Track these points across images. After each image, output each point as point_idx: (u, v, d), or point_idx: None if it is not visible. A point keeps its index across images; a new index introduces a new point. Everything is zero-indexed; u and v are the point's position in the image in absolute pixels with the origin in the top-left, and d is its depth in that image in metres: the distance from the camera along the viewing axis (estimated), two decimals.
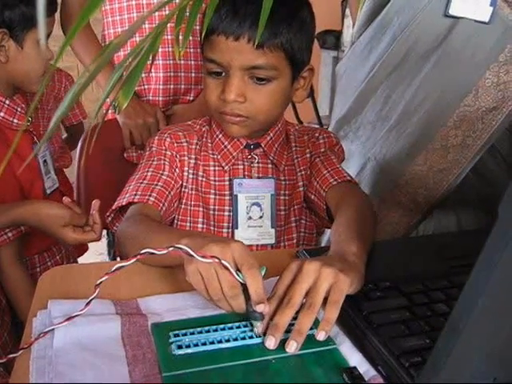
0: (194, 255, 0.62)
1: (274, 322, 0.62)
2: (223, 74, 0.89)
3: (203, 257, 0.62)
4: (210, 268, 0.63)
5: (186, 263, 0.65)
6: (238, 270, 0.63)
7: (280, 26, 0.85)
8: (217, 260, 0.62)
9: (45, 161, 1.26)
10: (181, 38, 0.46)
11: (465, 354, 0.49)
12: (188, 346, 0.61)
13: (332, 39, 3.20)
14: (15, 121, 1.18)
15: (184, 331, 0.63)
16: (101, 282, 0.63)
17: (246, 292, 0.63)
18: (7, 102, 1.17)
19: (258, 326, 0.63)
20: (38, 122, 1.31)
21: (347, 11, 3.06)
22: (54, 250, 1.30)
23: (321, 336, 0.62)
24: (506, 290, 0.45)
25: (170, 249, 0.63)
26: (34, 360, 0.60)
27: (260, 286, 0.63)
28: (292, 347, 0.61)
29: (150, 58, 0.43)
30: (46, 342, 0.62)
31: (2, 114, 1.16)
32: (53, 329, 0.62)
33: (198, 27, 1.26)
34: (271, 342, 0.61)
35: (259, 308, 0.62)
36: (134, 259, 0.63)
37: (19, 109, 1.19)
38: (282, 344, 0.62)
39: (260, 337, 0.63)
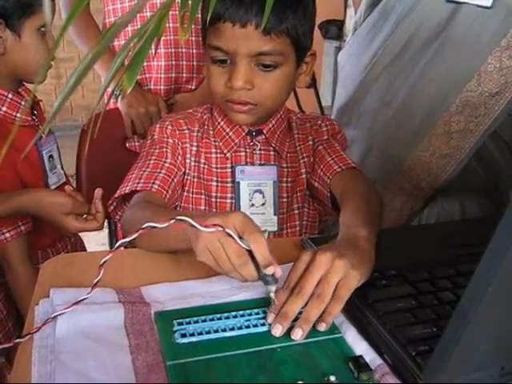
0: (196, 225, 0.61)
1: (284, 310, 0.62)
2: (229, 61, 0.88)
3: (206, 226, 0.61)
4: (215, 242, 0.62)
5: (193, 243, 0.64)
6: (240, 238, 0.63)
7: (286, 11, 0.85)
8: (220, 228, 0.61)
9: (50, 156, 1.22)
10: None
11: (473, 342, 0.49)
12: (192, 335, 0.60)
13: (334, 29, 3.18)
14: (18, 115, 1.13)
15: (188, 320, 0.62)
16: (105, 262, 0.62)
17: (254, 259, 0.63)
18: (10, 95, 1.13)
19: (273, 291, 0.63)
20: (43, 116, 1.26)
21: (349, 1, 3.04)
22: (58, 246, 1.27)
23: (321, 327, 0.62)
24: None
25: (172, 221, 0.62)
26: (36, 348, 0.59)
27: (265, 249, 0.62)
28: (298, 334, 0.61)
29: (155, 41, 0.41)
30: (48, 331, 0.61)
31: (4, 109, 1.12)
32: (55, 317, 0.62)
33: (199, 15, 1.25)
34: (278, 330, 0.61)
35: (269, 270, 0.62)
36: (137, 234, 0.62)
37: (23, 103, 1.15)
38: (288, 333, 0.61)
39: (264, 325, 0.63)
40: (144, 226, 0.62)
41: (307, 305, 0.62)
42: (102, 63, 1.38)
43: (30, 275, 1.13)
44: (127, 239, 0.62)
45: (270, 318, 0.63)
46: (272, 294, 0.64)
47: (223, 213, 0.65)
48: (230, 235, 0.62)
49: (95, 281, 0.62)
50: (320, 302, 0.62)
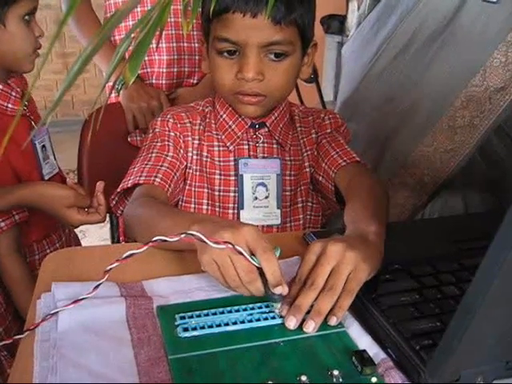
0: (207, 241, 0.61)
1: (297, 303, 0.62)
2: (237, 52, 0.88)
3: (216, 243, 0.61)
4: (224, 255, 0.62)
5: (199, 253, 0.64)
6: (252, 254, 0.62)
7: (294, 1, 0.86)
8: (230, 246, 0.61)
9: (43, 146, 1.22)
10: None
11: (478, 337, 0.48)
12: (194, 329, 0.60)
13: (336, 24, 3.16)
14: (10, 106, 1.12)
15: (190, 314, 0.62)
16: (111, 269, 0.62)
17: (263, 275, 0.62)
18: (0, 86, 1.12)
19: (279, 308, 0.63)
20: (34, 106, 1.25)
21: None
22: (53, 238, 1.26)
23: (332, 321, 0.62)
24: None
25: (182, 235, 0.61)
26: (38, 343, 0.59)
27: (276, 269, 0.62)
28: (310, 327, 0.61)
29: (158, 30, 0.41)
30: (50, 325, 0.61)
31: None
32: (57, 311, 0.61)
33: (199, 9, 1.24)
34: (292, 323, 0.61)
35: (277, 290, 0.62)
36: (146, 247, 0.62)
37: (14, 93, 1.13)
38: (290, 328, 0.61)
39: (267, 319, 0.63)
40: (154, 240, 0.61)
41: (319, 297, 0.62)
42: (102, 57, 1.37)
43: (16, 269, 1.13)
44: (136, 251, 0.62)
45: (284, 310, 0.63)
46: (277, 310, 0.63)
47: (235, 225, 0.64)
48: (241, 252, 0.61)
49: (98, 283, 0.62)
50: (332, 294, 0.62)
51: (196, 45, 1.42)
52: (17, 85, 1.15)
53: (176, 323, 0.61)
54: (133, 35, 0.40)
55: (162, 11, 0.38)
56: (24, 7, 1.06)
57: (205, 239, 0.61)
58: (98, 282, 0.62)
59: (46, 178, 1.22)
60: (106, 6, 1.44)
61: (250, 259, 0.61)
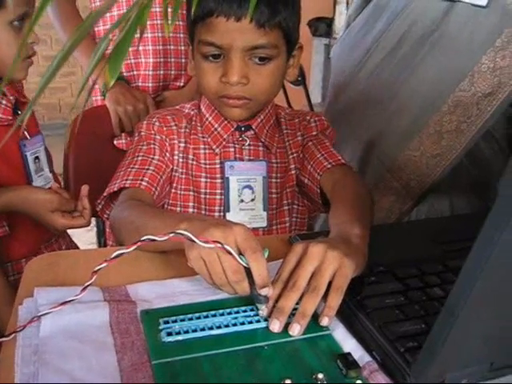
0: (196, 241, 0.60)
1: (279, 305, 0.62)
2: (222, 56, 0.88)
3: (205, 242, 0.60)
4: (212, 253, 0.61)
5: (187, 249, 0.64)
6: (240, 253, 0.62)
7: (278, 4, 0.85)
8: (219, 245, 0.60)
9: (36, 157, 1.17)
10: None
11: (462, 338, 0.48)
12: (178, 333, 0.59)
13: (324, 27, 3.18)
14: None
15: (174, 318, 0.62)
16: (99, 269, 0.61)
17: (250, 275, 0.62)
18: None
19: (263, 309, 0.63)
20: (30, 116, 1.20)
21: None
22: (44, 253, 1.23)
23: (324, 322, 0.62)
24: (505, 272, 0.44)
25: (171, 235, 0.61)
26: (19, 348, 0.58)
27: (264, 270, 0.62)
28: (296, 330, 0.60)
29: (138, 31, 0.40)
30: (32, 331, 0.60)
31: None
32: (39, 316, 0.61)
33: (185, 11, 1.24)
34: (276, 326, 0.61)
35: (264, 292, 0.62)
36: (135, 246, 0.61)
37: (4, 101, 1.09)
38: (274, 332, 0.61)
39: (251, 323, 0.62)
40: (143, 239, 0.61)
41: (303, 299, 0.62)
42: (85, 53, 1.35)
43: None
44: (124, 251, 0.61)
45: (265, 312, 0.63)
46: (261, 312, 0.63)
47: (226, 224, 0.64)
48: (230, 252, 0.61)
49: (85, 285, 0.61)
50: (315, 295, 0.61)
51: (182, 47, 1.41)
52: (10, 93, 1.12)
53: (160, 328, 0.60)
54: (112, 36, 0.39)
55: (141, 11, 0.37)
56: (11, 13, 1.03)
57: (194, 238, 0.60)
58: (83, 286, 0.61)
59: None
60: (93, 8, 1.43)
61: (238, 259, 0.61)
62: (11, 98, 1.11)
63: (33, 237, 1.16)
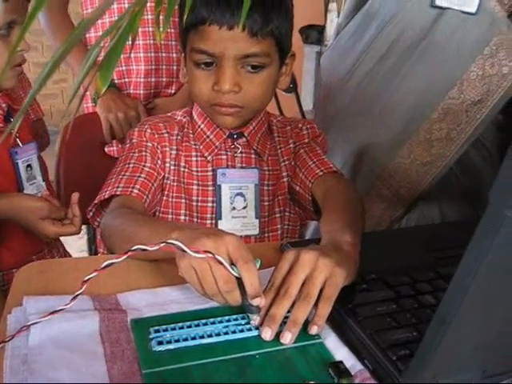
0: (187, 250, 0.60)
1: (271, 313, 0.61)
2: (214, 64, 0.88)
3: (196, 251, 0.60)
4: (203, 263, 0.61)
5: (178, 258, 0.63)
6: (232, 263, 0.62)
7: (271, 13, 0.85)
8: (210, 255, 0.60)
9: (28, 165, 1.16)
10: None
11: (453, 346, 0.48)
12: (169, 342, 0.59)
13: (315, 34, 3.19)
14: None
15: (165, 327, 0.61)
16: (89, 279, 0.61)
17: (241, 285, 0.62)
18: None
19: (255, 319, 0.62)
20: (22, 123, 1.16)
21: (330, 6, 3.05)
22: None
23: (313, 330, 0.61)
24: (496, 280, 0.44)
25: (162, 244, 0.61)
26: (8, 358, 0.57)
27: (256, 280, 0.61)
28: (287, 338, 0.60)
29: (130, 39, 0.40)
30: (20, 340, 0.59)
31: None
32: (28, 326, 0.60)
33: (177, 19, 1.24)
34: (267, 334, 0.61)
35: (255, 302, 0.61)
36: (125, 256, 0.61)
37: None
38: (266, 340, 0.61)
39: (243, 331, 0.62)
40: (133, 249, 0.60)
41: (294, 306, 0.61)
42: (77, 61, 1.35)
43: None
44: (115, 260, 0.60)
45: (258, 321, 0.62)
46: (253, 322, 0.63)
47: (217, 233, 0.63)
48: (221, 262, 0.60)
49: (75, 294, 0.60)
50: (307, 303, 0.61)
51: (174, 55, 1.41)
52: (3, 101, 1.11)
53: (150, 336, 0.60)
54: (102, 44, 0.39)
55: (133, 19, 0.37)
56: None
57: (185, 248, 0.60)
58: (73, 295, 0.61)
59: None
60: (82, 2, 1.42)
61: (229, 269, 0.61)
62: (4, 105, 1.10)
63: (23, 246, 1.15)
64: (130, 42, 0.43)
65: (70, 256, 1.35)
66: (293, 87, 2.42)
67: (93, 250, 1.44)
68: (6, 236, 1.10)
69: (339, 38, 1.25)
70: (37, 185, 1.19)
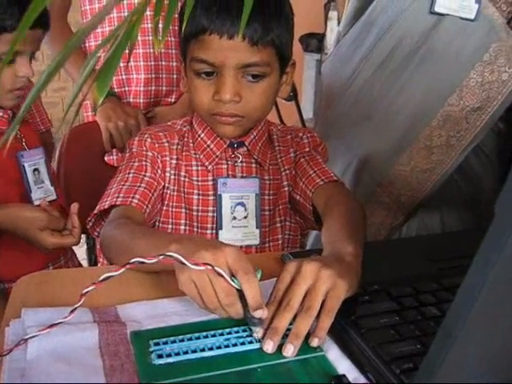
0: (187, 263, 0.59)
1: (273, 325, 0.60)
2: (214, 74, 0.87)
3: (196, 264, 0.59)
4: (203, 276, 0.60)
5: (177, 272, 0.62)
6: (232, 275, 0.61)
7: (271, 22, 0.85)
8: (210, 267, 0.59)
9: (36, 169, 1.17)
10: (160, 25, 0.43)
11: (459, 360, 0.47)
12: (169, 355, 0.58)
13: (315, 42, 3.20)
14: None
15: (165, 339, 0.60)
16: (87, 292, 0.60)
17: (243, 297, 0.61)
18: None
19: (258, 332, 0.61)
20: (29, 128, 1.20)
21: (330, 14, 3.05)
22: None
23: (315, 343, 0.60)
24: (503, 293, 0.43)
25: (161, 257, 0.60)
26: (6, 372, 0.56)
27: (257, 292, 0.60)
28: (289, 351, 0.59)
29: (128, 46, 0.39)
30: (19, 353, 0.58)
31: None
32: (27, 339, 0.59)
33: (177, 27, 1.24)
34: (269, 346, 0.60)
35: (257, 314, 0.60)
36: (123, 269, 0.60)
37: (0, 113, 1.09)
38: (268, 352, 0.60)
39: (244, 344, 0.61)
40: (132, 261, 0.60)
41: (296, 319, 0.61)
42: (77, 69, 1.35)
43: None
44: (113, 274, 0.59)
45: (260, 333, 0.61)
46: (255, 335, 0.62)
47: (217, 245, 0.62)
48: (221, 274, 0.60)
49: (73, 307, 0.60)
50: (309, 315, 0.60)
51: (174, 63, 1.41)
52: (17, 109, 1.11)
53: (150, 349, 0.59)
54: (100, 53, 0.38)
55: (131, 28, 0.37)
56: (2, 49, 1.00)
57: (184, 260, 0.59)
58: (71, 308, 0.60)
59: (36, 203, 1.16)
60: (83, 12, 1.42)
61: (230, 281, 0.60)
62: (9, 111, 1.10)
63: (26, 261, 1.13)
64: (128, 52, 0.42)
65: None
66: (293, 95, 2.41)
67: (93, 259, 1.43)
68: (7, 248, 1.09)
69: (340, 46, 1.25)
70: (45, 189, 1.18)
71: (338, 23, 1.36)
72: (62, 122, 0.47)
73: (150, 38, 1.36)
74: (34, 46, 1.06)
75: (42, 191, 1.18)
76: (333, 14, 3.02)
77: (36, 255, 1.13)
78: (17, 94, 1.08)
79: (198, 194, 0.97)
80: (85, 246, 1.47)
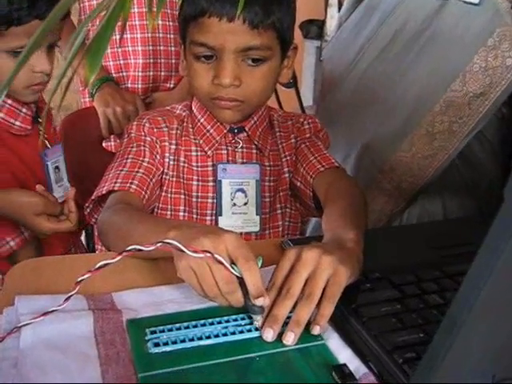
0: (185, 250, 0.57)
1: (273, 313, 0.59)
2: (214, 57, 0.86)
3: (195, 251, 0.57)
4: (202, 263, 0.58)
5: (176, 259, 0.61)
6: (232, 262, 0.59)
7: (272, 5, 0.83)
8: (209, 254, 0.58)
9: (57, 167, 1.14)
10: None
11: (464, 350, 0.46)
12: (165, 344, 0.57)
13: (315, 29, 3.17)
14: (17, 123, 1.05)
15: (161, 328, 0.59)
16: (82, 280, 0.58)
17: (243, 285, 0.59)
18: (9, 101, 1.04)
19: (259, 320, 0.60)
20: (50, 124, 1.17)
21: (330, 0, 3.02)
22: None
23: (315, 330, 0.59)
24: (510, 282, 0.41)
25: (159, 244, 0.58)
26: None
27: (258, 279, 0.59)
28: (290, 338, 0.58)
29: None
30: (11, 342, 0.57)
31: (1, 115, 1.04)
32: (20, 327, 0.58)
33: (175, 12, 1.22)
34: (269, 335, 0.58)
35: (259, 302, 0.59)
36: (120, 256, 0.58)
37: (24, 110, 1.06)
38: (268, 341, 0.59)
39: (243, 333, 0.60)
40: (129, 249, 0.58)
41: (296, 306, 0.59)
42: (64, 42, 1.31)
43: None
44: (110, 261, 0.58)
45: (260, 321, 0.60)
46: (256, 323, 0.60)
47: (216, 232, 0.61)
48: (221, 262, 0.58)
49: (68, 295, 0.58)
50: (310, 302, 0.59)
51: (173, 48, 1.39)
52: (43, 104, 1.09)
53: (146, 338, 0.57)
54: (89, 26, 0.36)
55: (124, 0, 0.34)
56: (10, 43, 0.97)
57: (182, 248, 0.58)
58: (66, 295, 0.59)
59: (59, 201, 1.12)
60: (81, 8, 1.40)
61: (230, 269, 0.58)
62: (32, 105, 1.08)
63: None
64: (121, 23, 0.40)
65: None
66: (293, 82, 2.39)
67: (91, 246, 1.42)
68: None
69: (341, 31, 1.23)
70: (64, 186, 1.16)
71: (339, 9, 1.34)
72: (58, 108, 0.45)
73: (149, 22, 1.34)
74: (51, 37, 1.01)
75: (62, 189, 1.15)
76: (333, 1, 2.99)
77: (50, 245, 1.13)
78: (35, 89, 1.04)
79: (198, 180, 0.96)
80: (83, 233, 1.46)
